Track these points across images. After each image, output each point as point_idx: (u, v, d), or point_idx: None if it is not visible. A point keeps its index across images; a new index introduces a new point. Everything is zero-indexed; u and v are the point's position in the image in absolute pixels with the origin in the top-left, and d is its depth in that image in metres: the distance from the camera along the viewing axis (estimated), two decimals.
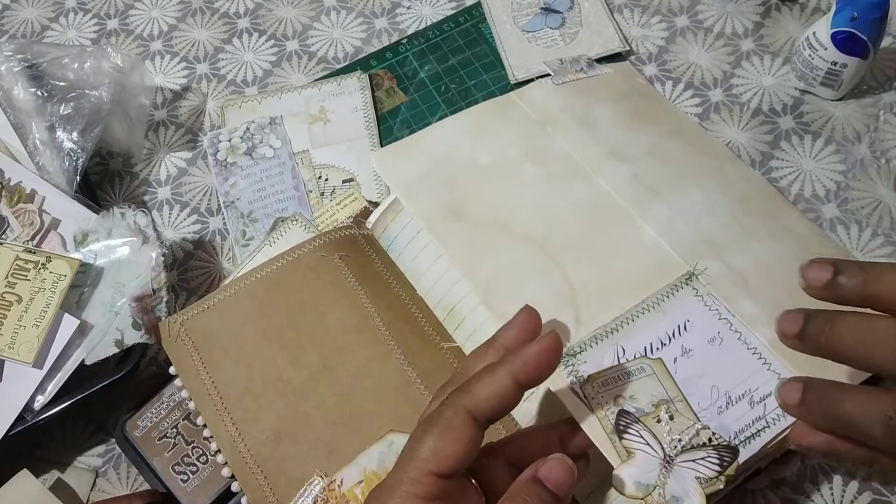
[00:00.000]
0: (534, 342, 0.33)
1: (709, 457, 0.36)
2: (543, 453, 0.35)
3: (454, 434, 0.32)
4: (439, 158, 0.50)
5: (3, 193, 0.53)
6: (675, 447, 0.37)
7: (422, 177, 0.49)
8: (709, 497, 0.35)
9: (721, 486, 0.36)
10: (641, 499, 0.35)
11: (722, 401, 0.39)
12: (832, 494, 0.44)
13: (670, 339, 0.41)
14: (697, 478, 0.36)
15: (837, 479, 0.45)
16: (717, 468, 0.36)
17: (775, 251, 0.46)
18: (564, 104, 0.53)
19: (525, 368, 0.33)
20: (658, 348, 0.40)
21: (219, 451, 0.43)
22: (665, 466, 0.36)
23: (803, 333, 0.34)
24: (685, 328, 0.41)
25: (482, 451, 0.34)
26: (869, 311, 0.33)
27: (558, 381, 0.39)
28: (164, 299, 0.49)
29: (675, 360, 0.40)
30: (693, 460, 0.36)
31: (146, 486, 0.47)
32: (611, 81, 0.57)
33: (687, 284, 0.43)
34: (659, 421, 0.37)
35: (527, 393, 0.34)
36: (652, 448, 0.37)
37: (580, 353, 0.40)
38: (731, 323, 0.41)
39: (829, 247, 0.49)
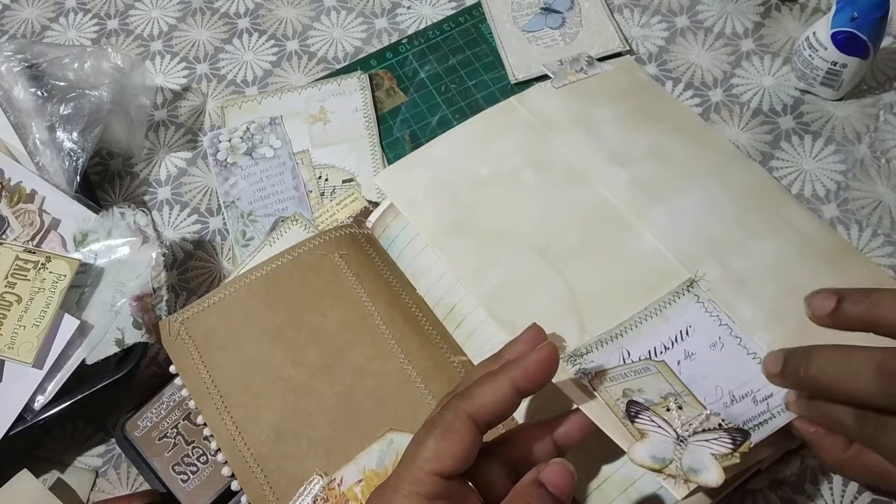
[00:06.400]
0: (533, 352, 0.35)
1: (721, 437, 0.36)
2: (538, 451, 0.36)
3: (455, 436, 0.33)
4: (442, 173, 0.50)
5: (3, 193, 0.53)
6: (688, 430, 0.36)
7: (425, 193, 0.50)
8: (726, 469, 0.35)
9: (737, 461, 0.35)
10: (659, 470, 0.35)
11: (727, 398, 0.39)
12: (832, 494, 0.44)
13: (673, 344, 0.41)
14: (712, 454, 0.35)
15: (837, 480, 0.44)
16: (731, 446, 0.36)
17: (777, 250, 0.46)
18: (564, 108, 0.53)
19: (524, 376, 0.34)
20: (661, 352, 0.41)
21: (219, 449, 0.43)
22: (679, 444, 0.36)
23: (784, 371, 0.36)
24: (687, 333, 0.42)
25: (478, 453, 0.35)
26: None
27: (566, 378, 0.39)
28: (165, 298, 0.49)
29: (679, 362, 0.40)
30: (706, 440, 0.36)
31: (146, 486, 0.47)
32: (612, 80, 0.56)
33: (688, 291, 0.43)
34: (668, 410, 0.37)
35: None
36: (664, 430, 0.36)
37: (587, 353, 0.40)
38: (731, 329, 0.42)
39: (833, 241, 0.48)
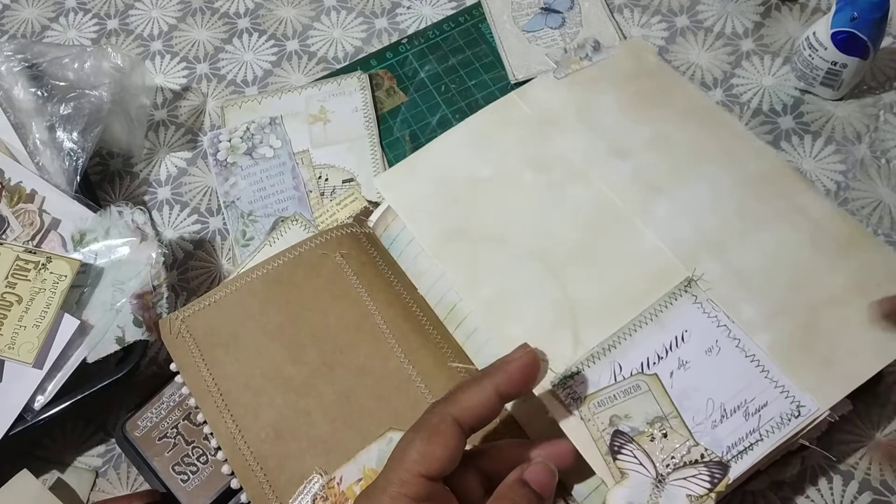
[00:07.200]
0: (515, 358, 0.36)
1: (699, 474, 0.37)
2: (514, 466, 0.37)
3: (441, 439, 0.34)
4: (441, 176, 0.50)
5: (3, 193, 0.53)
6: (668, 465, 0.38)
7: (424, 197, 0.49)
8: None
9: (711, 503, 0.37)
10: None
11: (717, 414, 0.39)
12: (832, 495, 0.44)
13: (667, 352, 0.41)
14: (688, 496, 0.37)
15: (837, 480, 0.45)
16: (708, 485, 0.37)
17: (786, 240, 0.45)
18: (565, 101, 0.52)
19: (507, 380, 0.35)
20: (654, 363, 0.41)
21: (218, 448, 0.43)
22: (657, 486, 0.37)
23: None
24: (683, 339, 0.41)
25: None
26: None
27: (555, 402, 0.40)
28: (165, 295, 0.49)
29: (672, 373, 0.41)
30: (684, 478, 0.37)
31: (146, 486, 0.47)
32: (617, 64, 0.54)
33: (686, 292, 0.43)
34: (652, 439, 0.38)
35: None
36: (645, 468, 0.38)
37: (577, 373, 0.41)
38: (729, 330, 0.41)
39: (847, 226, 0.46)
